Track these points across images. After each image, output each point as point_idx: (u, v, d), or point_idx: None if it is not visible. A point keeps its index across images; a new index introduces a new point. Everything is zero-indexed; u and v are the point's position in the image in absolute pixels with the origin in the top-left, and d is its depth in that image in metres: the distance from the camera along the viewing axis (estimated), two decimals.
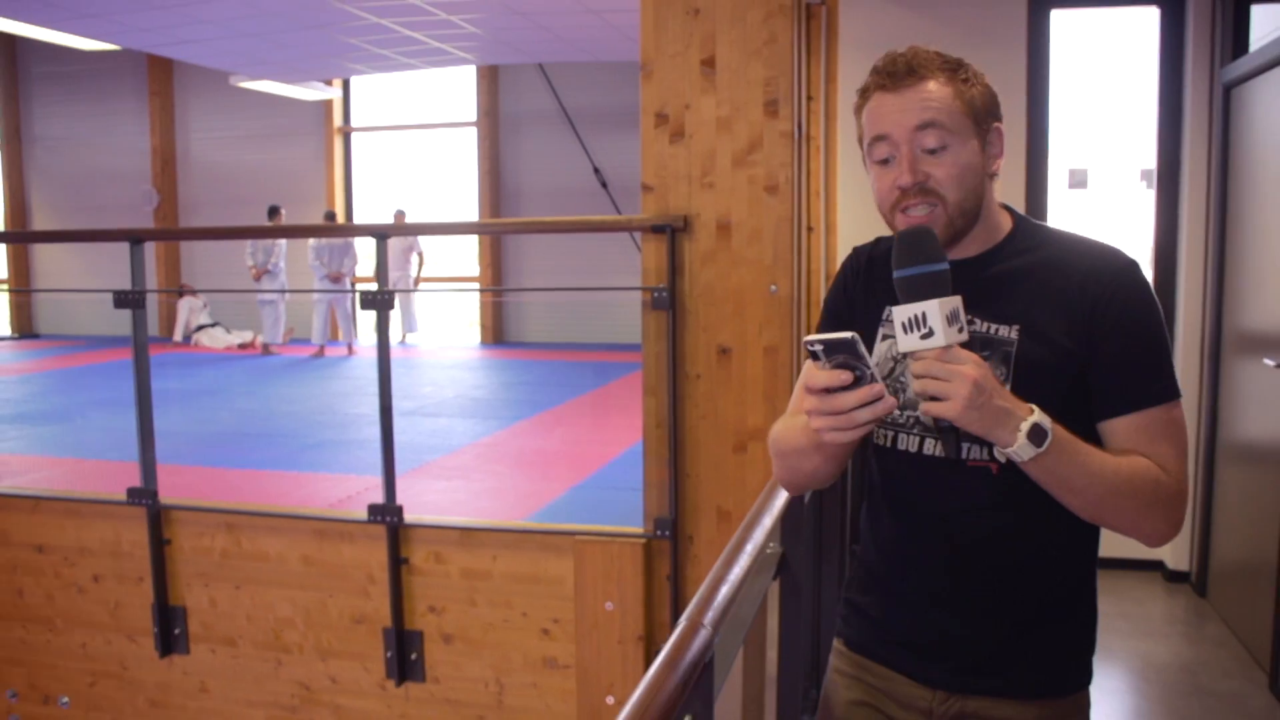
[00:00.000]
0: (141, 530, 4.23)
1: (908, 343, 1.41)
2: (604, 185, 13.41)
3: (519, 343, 13.78)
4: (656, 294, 3.84)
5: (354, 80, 14.44)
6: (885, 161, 1.56)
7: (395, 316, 13.05)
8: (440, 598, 4.00)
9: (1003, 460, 1.51)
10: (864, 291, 1.71)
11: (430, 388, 10.06)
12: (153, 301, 15.16)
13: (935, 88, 1.54)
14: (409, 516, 3.97)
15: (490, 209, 14.01)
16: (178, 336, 14.41)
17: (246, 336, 13.96)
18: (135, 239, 4.60)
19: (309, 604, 4.12)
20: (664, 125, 3.61)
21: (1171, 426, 1.55)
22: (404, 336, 13.73)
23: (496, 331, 14.07)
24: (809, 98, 5.33)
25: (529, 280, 14.04)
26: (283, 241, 12.82)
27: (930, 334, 1.39)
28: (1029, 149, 5.33)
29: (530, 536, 3.99)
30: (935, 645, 1.66)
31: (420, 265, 13.31)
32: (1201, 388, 5.04)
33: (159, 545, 4.22)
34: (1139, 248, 5.36)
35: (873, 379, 1.38)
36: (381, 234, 4.39)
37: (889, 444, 1.65)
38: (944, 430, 1.46)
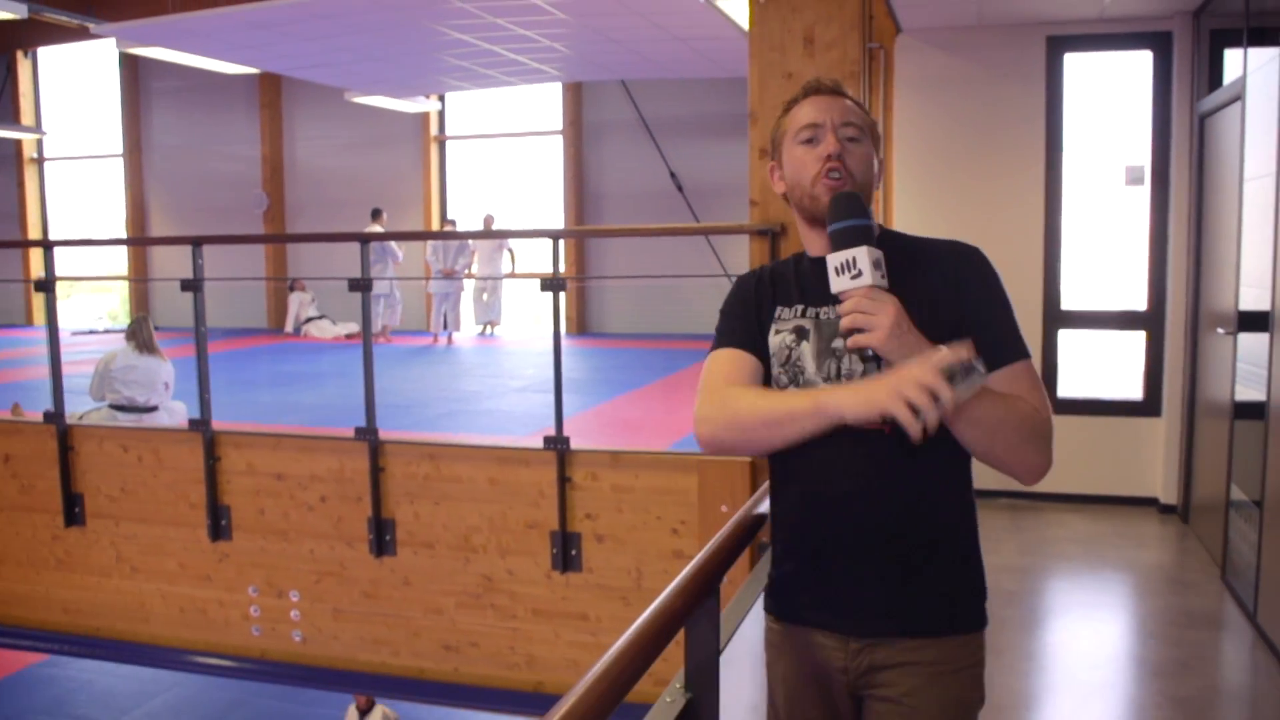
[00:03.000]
0: (363, 460, 5.49)
1: (839, 283, 1.64)
2: (680, 189, 14.25)
3: (601, 333, 14.75)
4: None
5: (449, 93, 15.38)
6: (811, 141, 1.84)
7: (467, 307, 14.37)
8: (595, 507, 5.22)
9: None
10: (761, 298, 1.93)
11: (532, 370, 11.33)
12: (263, 296, 16.51)
13: (854, 105, 1.89)
14: (574, 444, 5.24)
15: (575, 212, 14.97)
16: (289, 328, 15.64)
17: (352, 328, 15.00)
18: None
19: (492, 514, 5.36)
20: (765, 158, 4.81)
21: (1034, 376, 1.80)
22: (486, 328, 14.74)
23: (580, 322, 15.02)
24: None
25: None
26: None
27: (859, 274, 1.62)
28: (1047, 163, 6.45)
29: (664, 458, 5.21)
30: (845, 596, 1.82)
31: (513, 261, 14.32)
32: (1185, 355, 6.13)
33: (376, 472, 5.50)
34: (1138, 238, 6.50)
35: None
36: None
37: None
38: (867, 361, 1.67)
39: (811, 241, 1.91)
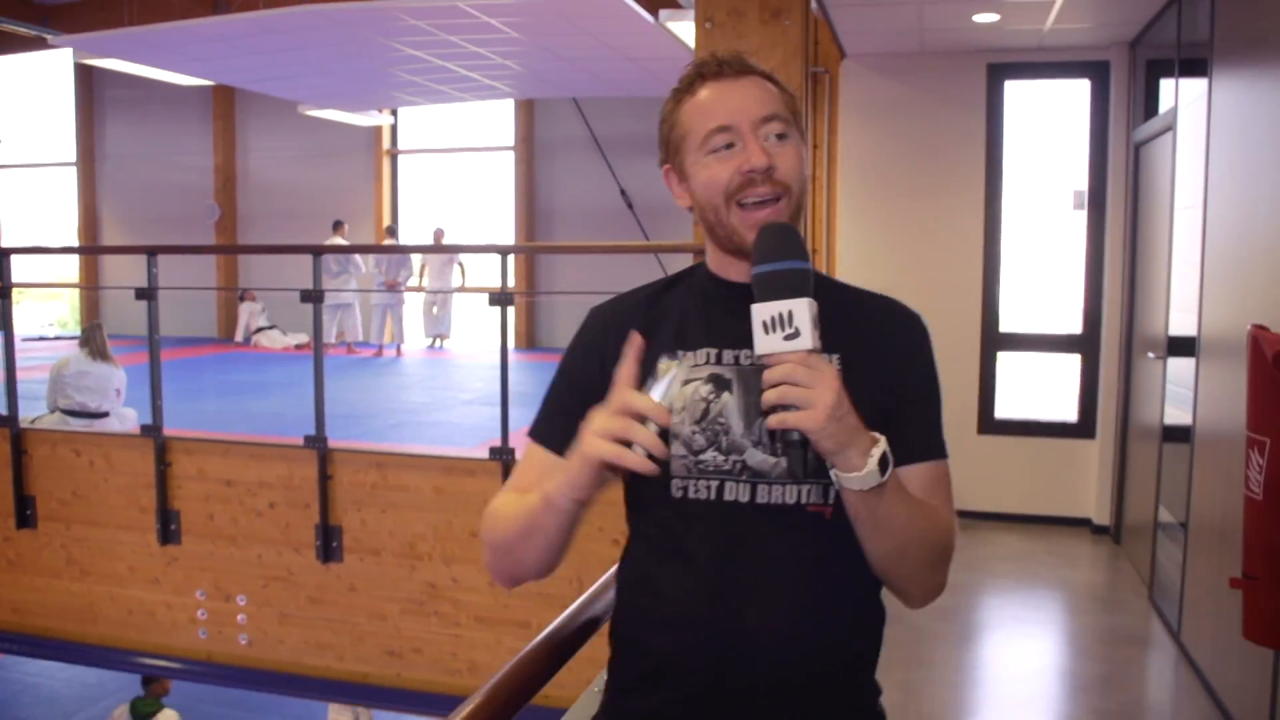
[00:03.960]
0: (312, 468, 5.59)
1: (767, 343, 1.28)
2: (630, 207, 14.36)
3: (549, 347, 14.79)
4: None
5: (401, 108, 15.37)
6: (725, 149, 1.45)
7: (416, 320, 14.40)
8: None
9: (831, 496, 1.41)
10: (617, 351, 1.42)
11: (480, 383, 11.43)
12: (214, 305, 16.50)
13: (765, 85, 1.49)
14: (520, 456, 5.36)
15: (525, 228, 15.07)
16: (239, 338, 15.60)
17: (302, 338, 15.04)
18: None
19: (438, 523, 5.48)
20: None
21: (949, 484, 1.52)
22: (435, 341, 14.79)
23: (530, 337, 15.11)
24: (814, 146, 6.69)
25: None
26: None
27: (796, 334, 1.27)
28: (987, 188, 6.66)
29: None
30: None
31: (463, 275, 14.43)
32: (1119, 379, 6.35)
33: (324, 479, 5.60)
34: (1075, 263, 6.69)
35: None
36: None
37: (711, 495, 1.45)
38: (792, 446, 1.31)
39: (723, 262, 1.54)
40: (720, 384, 1.46)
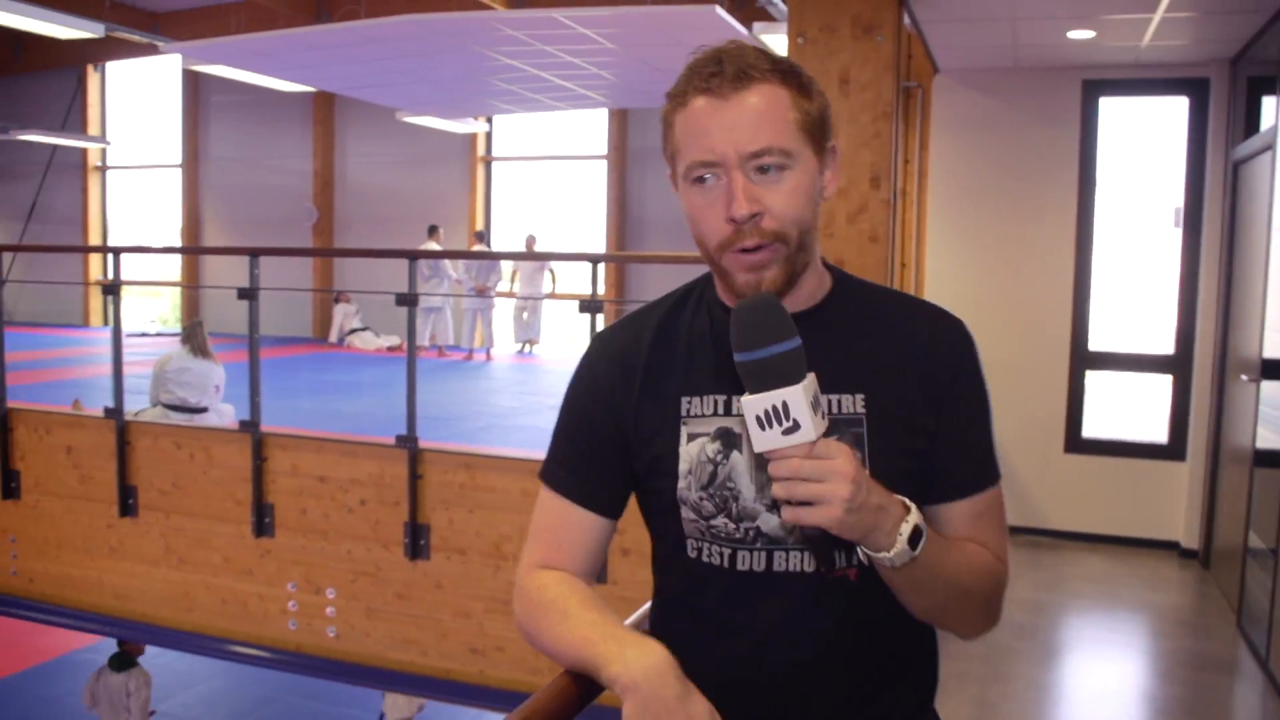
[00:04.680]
0: (402, 467, 5.73)
1: (766, 440, 1.14)
2: None
3: None
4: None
5: (496, 116, 15.62)
6: (703, 180, 1.29)
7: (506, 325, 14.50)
8: (622, 522, 5.43)
9: (864, 563, 1.29)
10: (643, 381, 1.40)
11: None
12: (309, 306, 16.85)
13: (770, 97, 1.28)
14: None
15: (616, 236, 15.20)
16: (333, 338, 15.93)
17: (394, 340, 15.35)
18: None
19: (524, 524, 5.51)
20: None
21: (1001, 509, 1.40)
22: (524, 346, 14.92)
23: None
24: (905, 161, 6.70)
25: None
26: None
27: (795, 427, 1.13)
28: (1079, 205, 6.59)
29: None
30: None
31: (553, 281, 14.56)
32: (1211, 400, 6.24)
33: (414, 478, 5.73)
34: (1168, 283, 6.59)
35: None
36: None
37: (724, 562, 1.36)
38: (813, 541, 1.21)
39: (727, 292, 1.38)
40: (729, 441, 1.34)
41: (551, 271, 14.54)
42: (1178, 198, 6.53)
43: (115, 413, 6.46)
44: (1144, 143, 6.77)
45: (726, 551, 1.35)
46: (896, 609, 1.33)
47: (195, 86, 17.40)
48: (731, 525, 1.34)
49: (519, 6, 12.26)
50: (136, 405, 7.26)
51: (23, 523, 6.82)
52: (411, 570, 5.82)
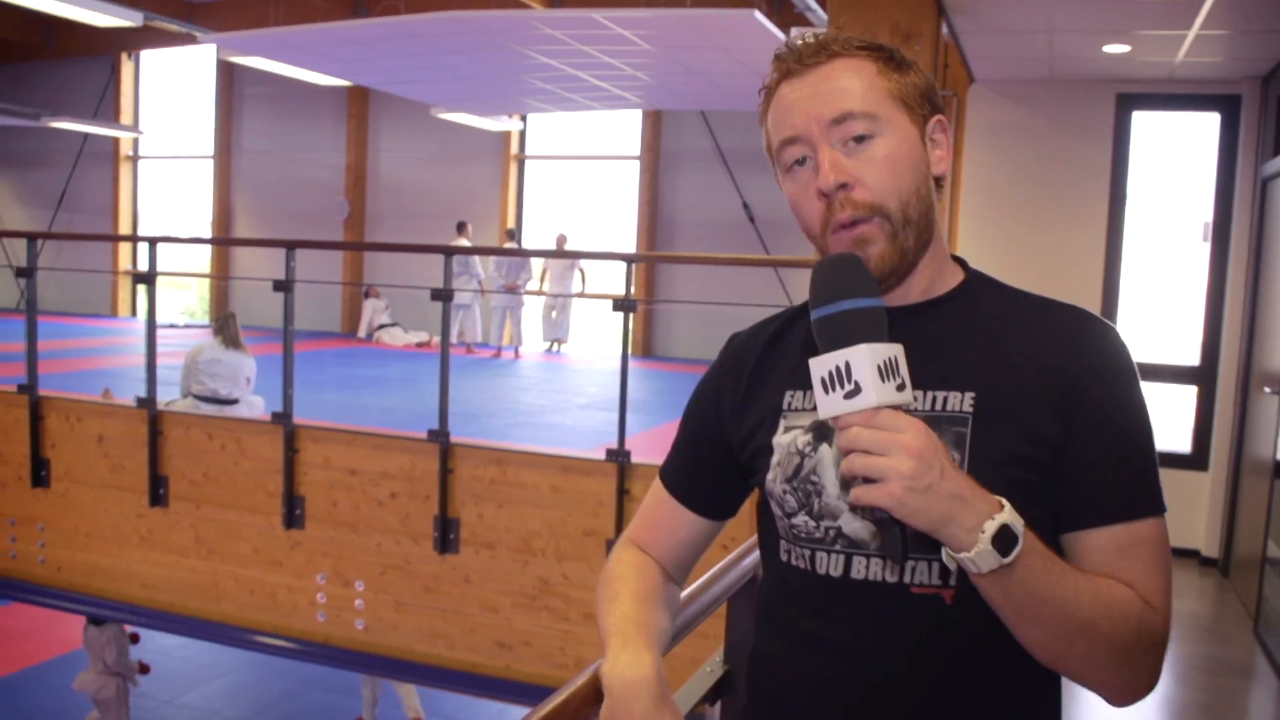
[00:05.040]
0: (433, 461, 5.77)
1: (829, 405, 1.07)
2: (752, 220, 14.44)
3: (665, 356, 14.89)
4: None
5: (531, 114, 15.66)
6: (801, 162, 1.24)
7: (535, 323, 14.56)
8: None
9: (953, 574, 1.17)
10: (750, 379, 1.36)
11: (596, 388, 11.58)
12: (339, 300, 16.92)
13: (852, 66, 1.22)
14: (635, 459, 5.49)
15: (647, 236, 15.20)
16: (362, 333, 15.96)
17: (423, 336, 15.43)
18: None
19: (552, 520, 5.61)
20: None
21: (1159, 547, 1.19)
22: (552, 345, 14.94)
23: (646, 345, 15.19)
24: None
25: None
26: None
27: (856, 390, 1.05)
28: (1110, 215, 6.62)
29: None
30: None
31: (584, 280, 14.55)
32: (1234, 412, 6.26)
33: (445, 473, 5.77)
34: (1195, 296, 6.62)
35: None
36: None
37: (806, 564, 1.27)
38: (882, 524, 1.08)
39: None
40: (821, 434, 1.25)
41: (582, 271, 14.55)
42: (1207, 212, 6.56)
43: (148, 402, 6.52)
44: (1175, 157, 6.80)
45: (806, 553, 1.27)
46: (1003, 643, 1.16)
47: (230, 78, 17.51)
48: (812, 524, 1.25)
49: (557, 6, 12.28)
50: (167, 396, 7.32)
51: (52, 511, 6.90)
52: (440, 564, 5.86)
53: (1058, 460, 1.18)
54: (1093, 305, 6.63)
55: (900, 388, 1.07)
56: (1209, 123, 6.53)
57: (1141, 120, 6.64)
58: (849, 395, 1.05)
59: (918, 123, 1.24)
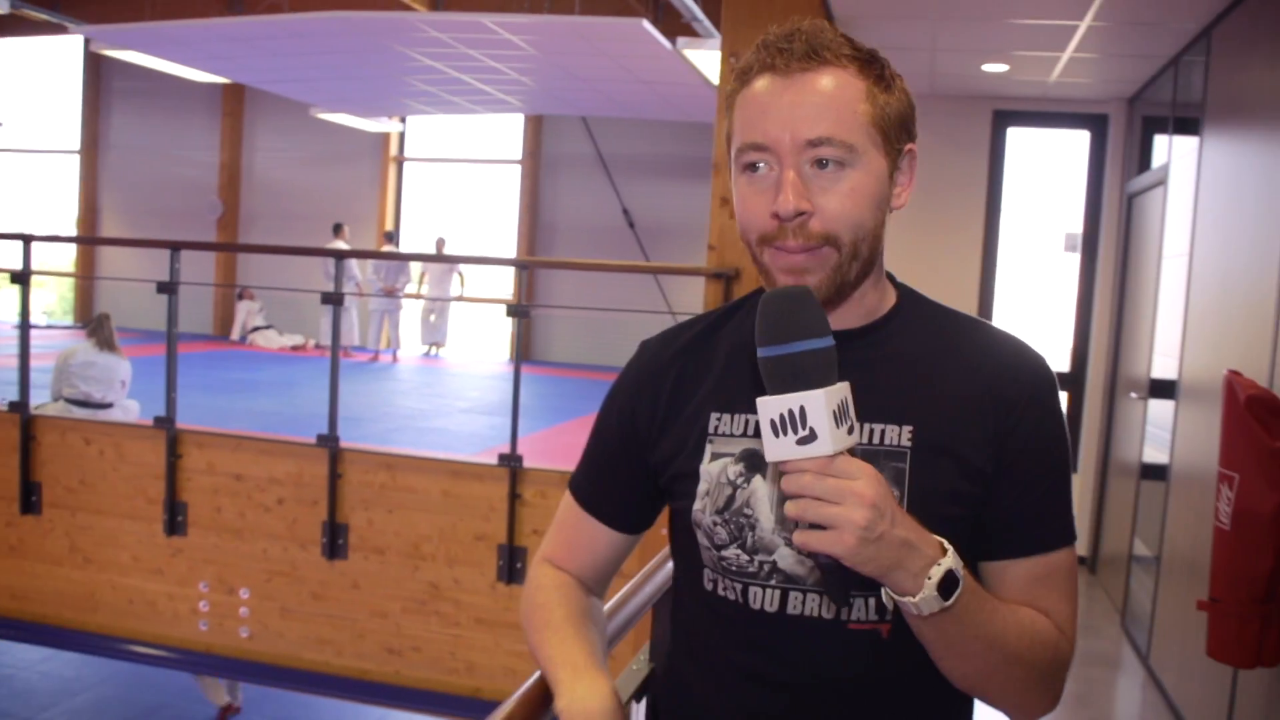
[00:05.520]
0: (322, 466, 5.72)
1: (779, 449, 1.02)
2: (631, 225, 14.57)
3: (544, 360, 14.86)
4: None
5: (412, 116, 15.51)
6: (754, 167, 1.17)
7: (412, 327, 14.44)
8: (543, 523, 5.47)
9: (889, 610, 1.16)
10: (670, 397, 1.30)
11: (476, 392, 11.59)
12: (210, 302, 16.55)
13: (842, 82, 1.16)
14: (525, 463, 5.53)
15: (527, 241, 15.20)
16: (235, 336, 15.69)
17: (298, 339, 15.27)
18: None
19: (443, 525, 5.61)
20: (726, 206, 5.18)
21: (1070, 575, 1.22)
22: (431, 349, 14.84)
23: (525, 349, 15.11)
24: None
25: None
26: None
27: (811, 437, 1.00)
28: (986, 227, 6.86)
29: None
30: None
31: (462, 284, 14.52)
32: (1102, 417, 6.57)
33: (334, 478, 5.73)
34: (1065, 304, 6.90)
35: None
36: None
37: (738, 597, 1.23)
38: (827, 571, 1.07)
39: None
40: (753, 465, 1.21)
41: (461, 275, 14.52)
42: (1076, 224, 6.85)
43: (20, 406, 6.34)
44: (1047, 171, 7.09)
45: (738, 586, 1.23)
46: (931, 670, 1.16)
47: (97, 70, 17.00)
48: (745, 557, 1.21)
49: (440, 9, 12.23)
50: (35, 400, 7.12)
51: None
52: (329, 570, 5.83)
53: (986, 492, 1.19)
54: (969, 310, 6.86)
55: (850, 431, 1.04)
56: (1079, 140, 6.82)
57: (1016, 136, 6.90)
58: (803, 441, 1.01)
59: (890, 156, 1.21)
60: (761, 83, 1.17)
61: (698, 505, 1.25)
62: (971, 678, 1.16)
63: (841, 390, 1.02)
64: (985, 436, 1.19)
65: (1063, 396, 6.80)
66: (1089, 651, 5.33)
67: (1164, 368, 5.05)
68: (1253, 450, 3.01)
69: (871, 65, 1.18)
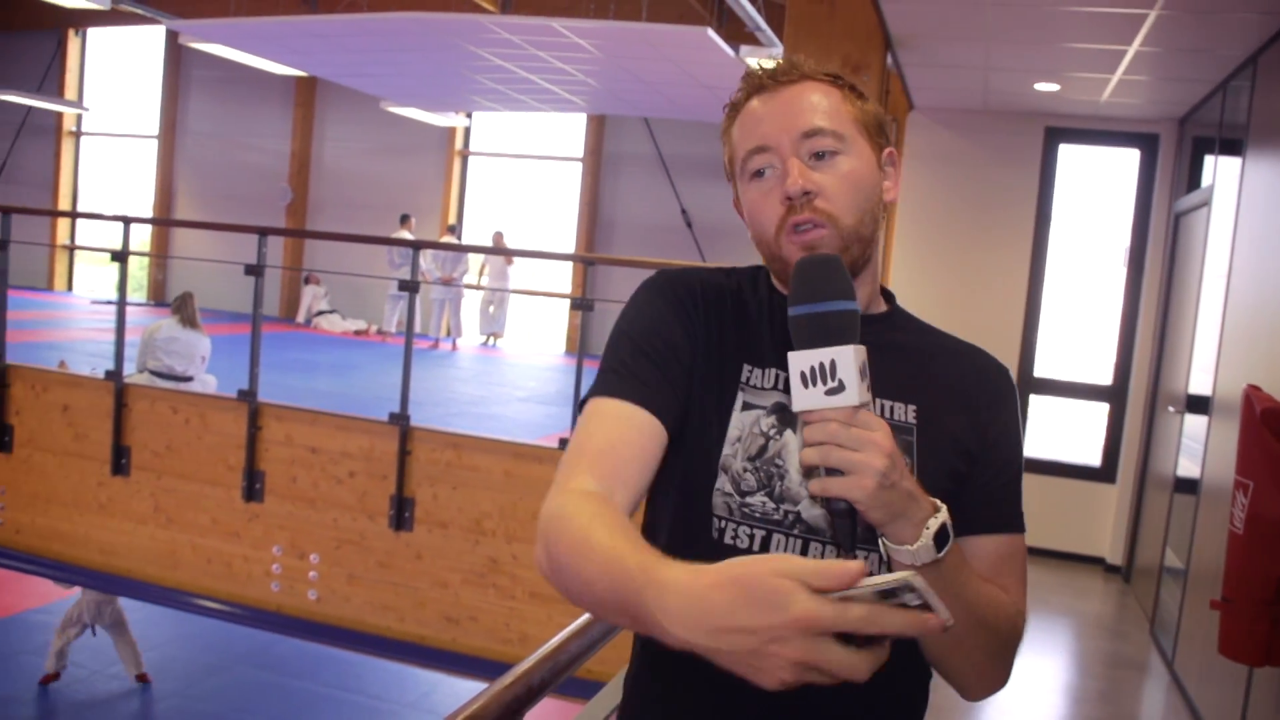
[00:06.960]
0: (393, 443, 6.08)
1: (807, 399, 1.10)
2: (689, 226, 14.83)
3: (598, 354, 15.04)
4: None
5: (478, 112, 15.77)
6: (761, 173, 1.29)
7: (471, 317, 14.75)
8: None
9: (883, 566, 1.20)
10: (719, 333, 1.33)
11: (533, 382, 11.91)
12: (278, 285, 16.96)
13: (822, 90, 1.30)
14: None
15: (586, 237, 15.50)
16: (300, 319, 16.14)
17: (360, 324, 15.70)
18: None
19: (504, 503, 5.95)
20: None
21: (1024, 560, 1.36)
22: (488, 339, 15.21)
23: (580, 343, 15.34)
24: None
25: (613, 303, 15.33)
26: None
27: (840, 388, 1.09)
28: (1034, 241, 7.07)
29: None
30: None
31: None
32: (1142, 429, 6.75)
33: (403, 454, 6.09)
34: (1110, 319, 7.12)
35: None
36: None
37: (755, 546, 1.27)
38: (838, 515, 1.13)
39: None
40: (785, 419, 1.28)
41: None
42: (1125, 241, 7.04)
43: (115, 375, 6.76)
44: (1097, 188, 7.29)
45: (760, 534, 1.27)
46: (895, 656, 1.03)
47: (177, 59, 17.49)
48: (771, 505, 1.27)
49: (508, 11, 12.57)
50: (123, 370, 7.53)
51: (13, 475, 7.10)
52: (394, 540, 6.17)
53: (970, 471, 1.32)
54: (1016, 323, 7.12)
55: (869, 388, 1.13)
56: (1129, 158, 7.03)
57: (1067, 153, 7.14)
58: (831, 392, 1.09)
59: (875, 150, 1.33)
60: (754, 102, 1.32)
61: (728, 450, 1.29)
62: (944, 649, 1.26)
63: (863, 351, 1.12)
64: (972, 422, 1.33)
65: (1104, 409, 7.08)
66: (1117, 654, 5.56)
67: (1201, 383, 5.21)
68: (1266, 459, 3.25)
69: (844, 81, 1.34)
